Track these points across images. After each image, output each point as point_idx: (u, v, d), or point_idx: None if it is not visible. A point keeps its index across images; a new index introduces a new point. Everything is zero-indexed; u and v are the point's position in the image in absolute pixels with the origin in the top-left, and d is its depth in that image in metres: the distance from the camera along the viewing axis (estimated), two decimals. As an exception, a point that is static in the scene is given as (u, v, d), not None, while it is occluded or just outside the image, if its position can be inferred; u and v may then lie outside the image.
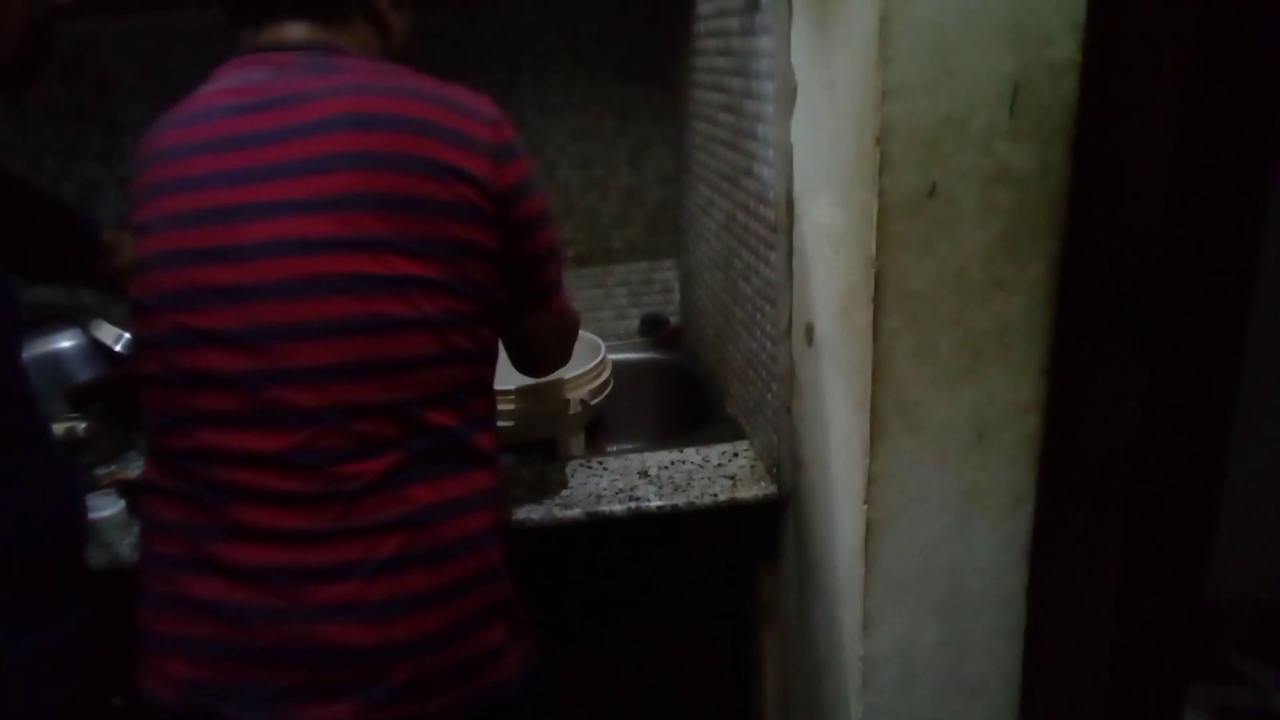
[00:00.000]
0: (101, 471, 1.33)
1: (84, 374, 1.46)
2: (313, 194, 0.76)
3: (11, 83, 0.83)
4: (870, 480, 0.86)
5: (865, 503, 0.87)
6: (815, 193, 0.95)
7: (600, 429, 1.54)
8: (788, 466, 1.15)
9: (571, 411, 1.36)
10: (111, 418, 1.39)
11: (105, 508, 1.14)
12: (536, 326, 0.96)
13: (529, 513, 1.15)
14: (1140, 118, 0.75)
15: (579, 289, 1.79)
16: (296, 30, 0.83)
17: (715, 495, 1.16)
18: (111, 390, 1.36)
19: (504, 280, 0.87)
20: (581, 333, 1.57)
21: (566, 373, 1.40)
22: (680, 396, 1.66)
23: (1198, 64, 0.70)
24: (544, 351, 1.02)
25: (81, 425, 1.35)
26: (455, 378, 0.81)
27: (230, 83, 0.82)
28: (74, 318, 1.48)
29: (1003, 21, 0.74)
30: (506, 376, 1.61)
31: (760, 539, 1.24)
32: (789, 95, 0.99)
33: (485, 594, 0.84)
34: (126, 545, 1.13)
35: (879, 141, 0.76)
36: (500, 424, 1.24)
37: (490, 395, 0.89)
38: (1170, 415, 0.79)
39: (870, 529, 0.87)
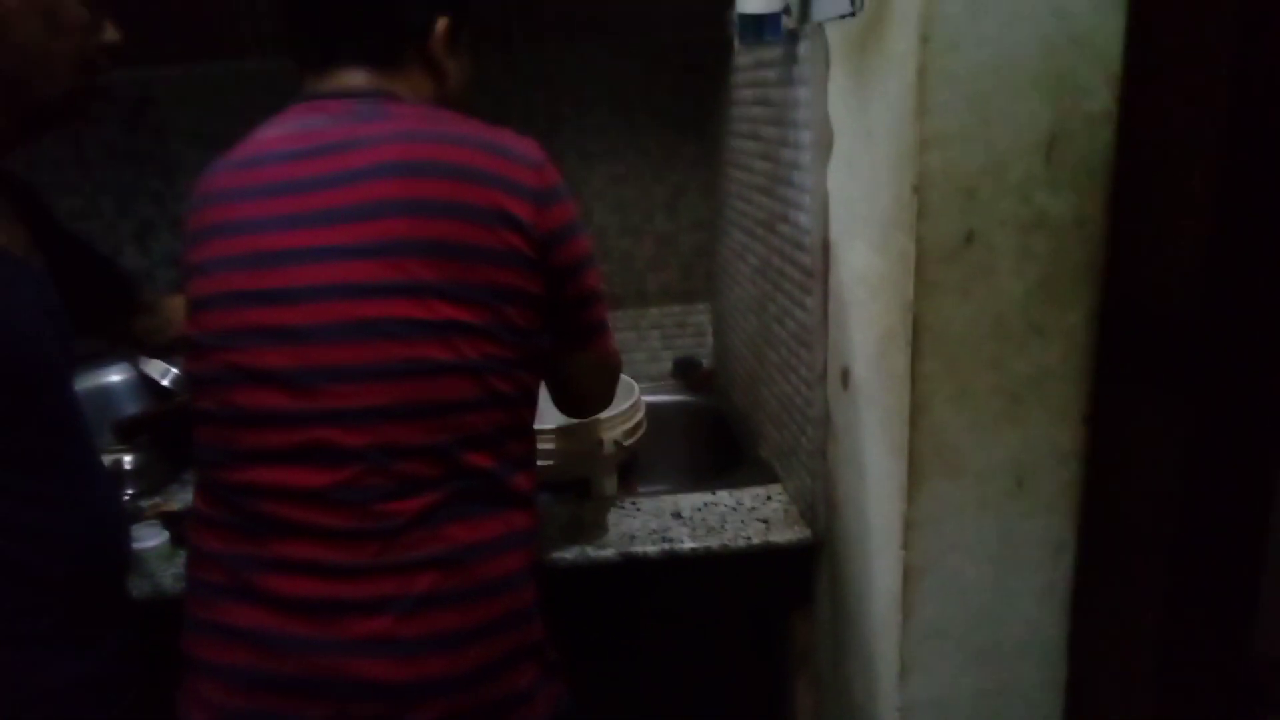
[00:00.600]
0: (146, 503, 1.36)
1: (132, 407, 1.50)
2: (361, 239, 0.78)
3: (64, 117, 0.87)
4: (908, 526, 0.85)
5: (903, 548, 0.86)
6: (851, 239, 0.96)
7: (633, 471, 1.54)
8: (822, 510, 1.14)
9: (605, 452, 1.37)
10: (157, 451, 1.42)
11: (149, 538, 1.17)
12: (579, 369, 0.98)
13: (562, 552, 1.15)
14: (1180, 167, 0.75)
15: (614, 330, 1.81)
16: (355, 77, 0.86)
17: (749, 538, 1.16)
18: (158, 423, 1.40)
19: (547, 323, 0.89)
20: (616, 375, 1.60)
21: (601, 413, 1.41)
22: (713, 439, 1.67)
23: (1236, 114, 0.71)
24: (586, 393, 1.03)
25: (128, 457, 1.38)
26: (494, 421, 0.83)
27: (288, 128, 0.85)
28: (123, 353, 1.53)
29: (1039, 74, 0.75)
30: (543, 416, 1.63)
31: (794, 584, 1.23)
32: (826, 144, 1.00)
33: (516, 635, 0.85)
34: (169, 576, 1.15)
35: (916, 189, 0.77)
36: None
37: (529, 437, 0.90)
38: (1214, 464, 0.79)
39: (908, 575, 0.87)
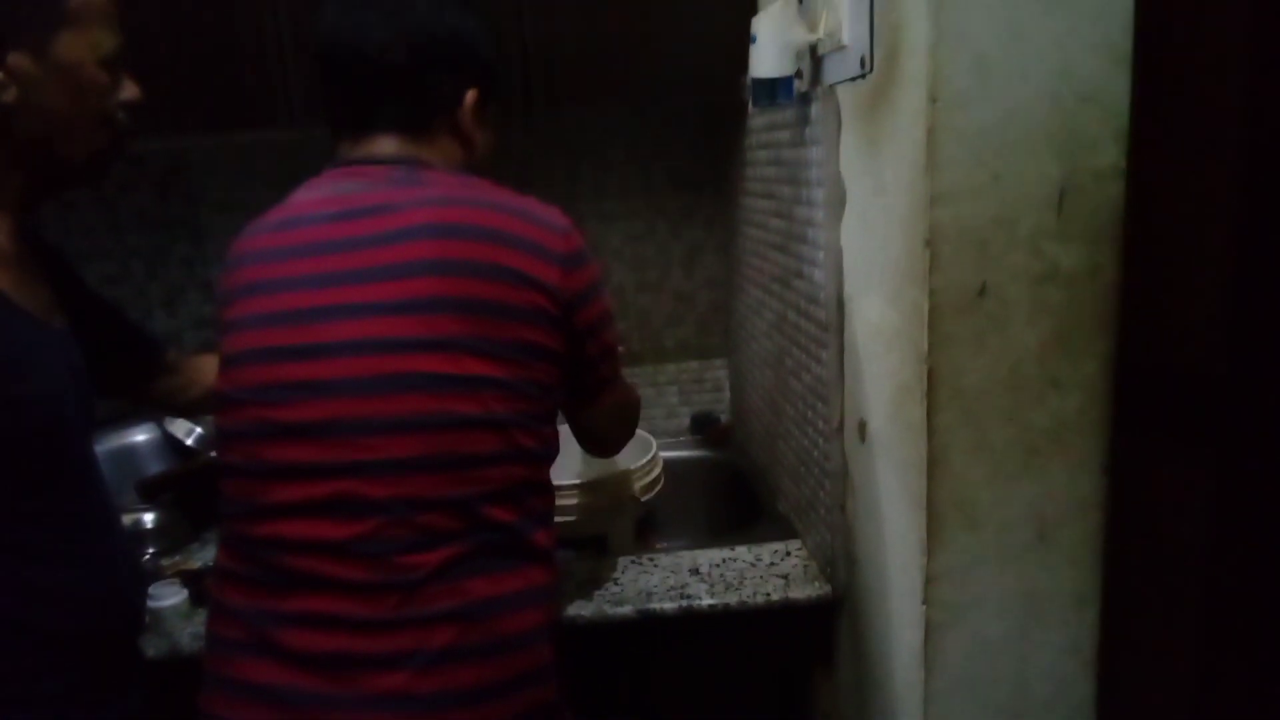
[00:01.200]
0: (166, 561, 1.36)
1: (155, 466, 1.52)
2: (396, 297, 0.80)
3: (87, 177, 0.89)
4: (929, 580, 0.85)
5: (924, 603, 0.85)
6: (866, 293, 0.97)
7: (651, 526, 1.53)
8: (842, 565, 1.13)
9: (623, 508, 1.37)
10: (179, 510, 1.43)
11: (168, 597, 1.17)
12: (592, 418, 1.01)
13: (580, 609, 1.15)
14: (1192, 220, 0.76)
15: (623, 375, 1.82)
16: (388, 145, 0.90)
17: (768, 594, 1.15)
18: (181, 483, 1.41)
19: (564, 377, 0.90)
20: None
21: (618, 470, 1.41)
22: (730, 494, 1.66)
23: (1248, 167, 0.72)
24: (605, 437, 1.09)
25: (150, 516, 1.39)
26: (517, 475, 0.84)
27: (323, 192, 0.88)
28: (148, 412, 1.55)
29: (1047, 130, 0.77)
30: (562, 472, 1.63)
31: (814, 641, 1.22)
32: (839, 201, 1.02)
33: (533, 694, 0.84)
34: (187, 635, 1.15)
35: (929, 243, 0.79)
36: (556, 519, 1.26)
37: (549, 494, 0.91)
38: (1241, 516, 0.78)
39: (930, 630, 0.86)
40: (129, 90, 0.88)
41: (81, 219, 1.69)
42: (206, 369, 1.12)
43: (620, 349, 0.98)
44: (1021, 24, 0.76)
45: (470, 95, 0.92)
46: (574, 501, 1.33)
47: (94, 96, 0.84)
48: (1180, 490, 0.82)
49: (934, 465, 0.83)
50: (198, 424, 1.48)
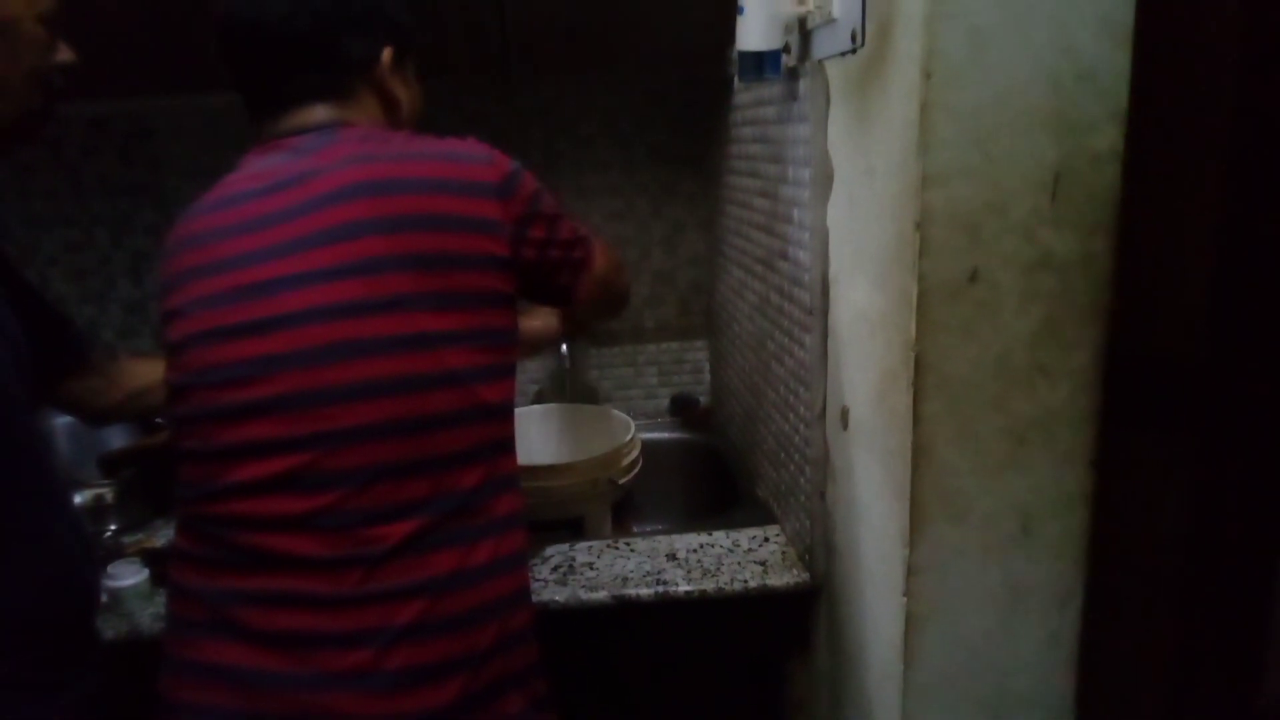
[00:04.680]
0: (129, 539, 1.32)
1: (119, 440, 1.48)
2: (338, 261, 0.78)
3: (16, 138, 0.84)
4: (910, 572, 0.83)
5: (905, 595, 0.83)
6: (852, 276, 0.94)
7: (627, 509, 1.51)
8: (821, 554, 1.11)
9: (600, 490, 1.34)
10: (142, 485, 1.39)
11: (128, 576, 1.13)
12: (586, 300, 0.98)
13: (554, 594, 1.12)
14: (1184, 207, 0.74)
15: (611, 367, 1.79)
16: (314, 114, 0.87)
17: (746, 581, 1.13)
18: (144, 458, 1.37)
19: (538, 288, 0.92)
20: (611, 410, 1.58)
21: (595, 451, 1.39)
22: (709, 478, 1.64)
23: (1241, 153, 0.69)
24: (610, 301, 1.08)
25: (111, 491, 1.35)
26: (480, 435, 0.83)
27: (253, 169, 0.86)
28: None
29: (1043, 110, 0.74)
30: (535, 452, 1.61)
31: (792, 629, 1.20)
32: (826, 181, 0.99)
33: (504, 662, 0.83)
34: (148, 616, 1.11)
35: (919, 226, 0.76)
36: (527, 501, 1.23)
37: (513, 454, 0.89)
38: (1221, 508, 0.76)
39: (910, 623, 0.84)
40: (64, 52, 0.84)
41: (42, 183, 1.63)
42: (131, 374, 1.08)
43: (581, 230, 0.95)
44: (1020, -2, 0.72)
45: (386, 53, 0.90)
46: (550, 484, 1.31)
47: (30, 54, 0.80)
48: (1162, 482, 0.81)
49: (918, 455, 0.80)
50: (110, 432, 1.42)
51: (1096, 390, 0.80)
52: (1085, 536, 0.83)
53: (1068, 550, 0.83)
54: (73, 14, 0.92)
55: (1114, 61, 0.74)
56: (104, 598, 1.12)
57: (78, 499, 1.34)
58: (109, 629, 1.09)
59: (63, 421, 1.46)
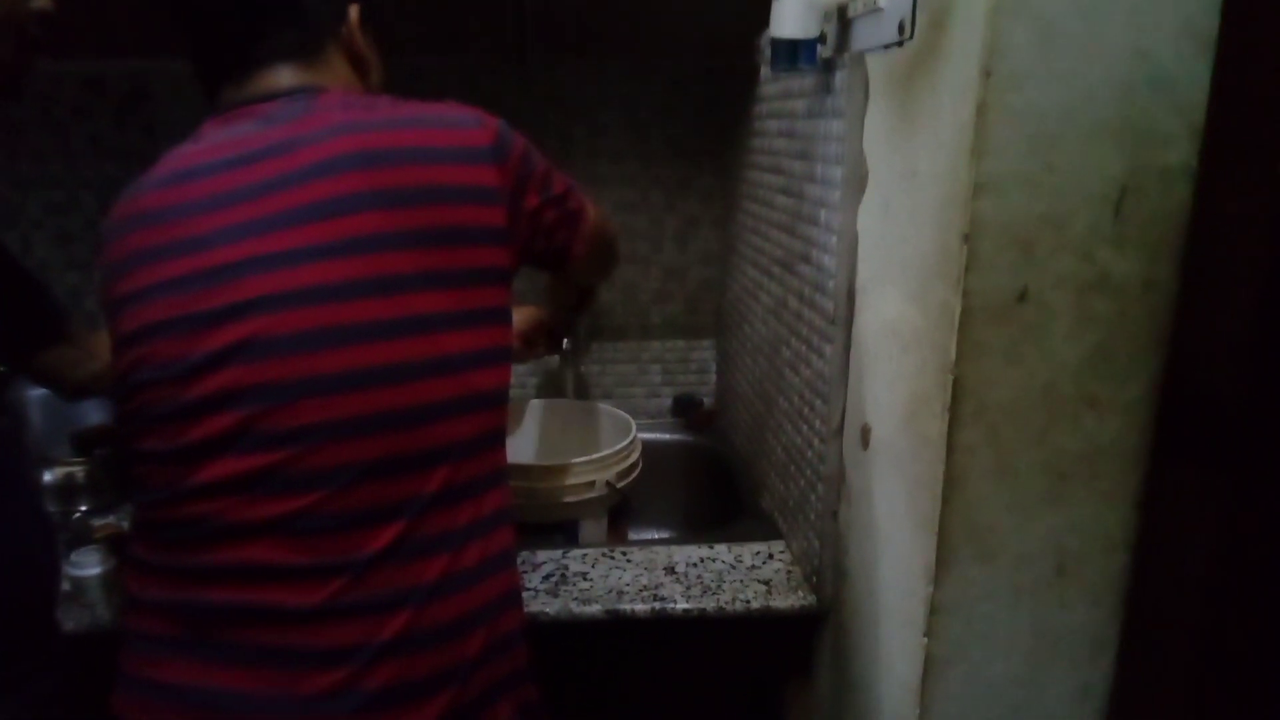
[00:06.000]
0: (98, 521, 1.26)
1: (96, 418, 1.41)
2: (329, 238, 0.71)
3: None
4: (933, 610, 0.76)
5: (925, 635, 0.77)
6: (882, 286, 0.88)
7: (624, 513, 1.45)
8: (829, 577, 1.05)
9: (595, 494, 1.28)
10: (115, 463, 1.33)
11: (92, 565, 1.06)
12: (583, 257, 0.94)
13: (545, 605, 1.06)
14: (1254, 233, 0.68)
15: (614, 363, 1.73)
16: (279, 78, 0.80)
17: (748, 602, 1.07)
18: (118, 436, 1.30)
19: (536, 252, 0.88)
20: (612, 410, 1.51)
21: (593, 451, 1.32)
22: (711, 484, 1.58)
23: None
24: (594, 273, 1.09)
25: (82, 471, 1.29)
26: (473, 427, 0.76)
27: (215, 139, 0.77)
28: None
29: (1113, 118, 0.67)
30: (528, 451, 1.54)
31: (792, 653, 1.14)
32: (859, 182, 0.93)
33: (493, 668, 0.77)
34: (112, 606, 1.05)
35: (967, 238, 0.69)
36: (519, 503, 1.17)
37: (504, 446, 0.82)
38: (1257, 554, 0.70)
39: (929, 665, 0.78)
40: (41, 0, 0.77)
41: (30, 143, 1.55)
42: (107, 346, 1.01)
43: (568, 180, 0.91)
44: (1094, -6, 0.66)
45: (354, 11, 0.85)
46: (544, 485, 1.24)
47: (3, 1, 0.73)
48: (1215, 530, 0.74)
49: (950, 486, 0.74)
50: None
51: (1149, 427, 0.74)
52: (1125, 582, 0.77)
53: (1105, 596, 0.77)
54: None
55: (1193, 70, 0.67)
56: (65, 586, 1.05)
57: (48, 476, 1.28)
58: (69, 620, 1.02)
59: (37, 394, 1.39)
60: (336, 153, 0.73)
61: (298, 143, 0.74)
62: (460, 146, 0.77)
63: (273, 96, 0.79)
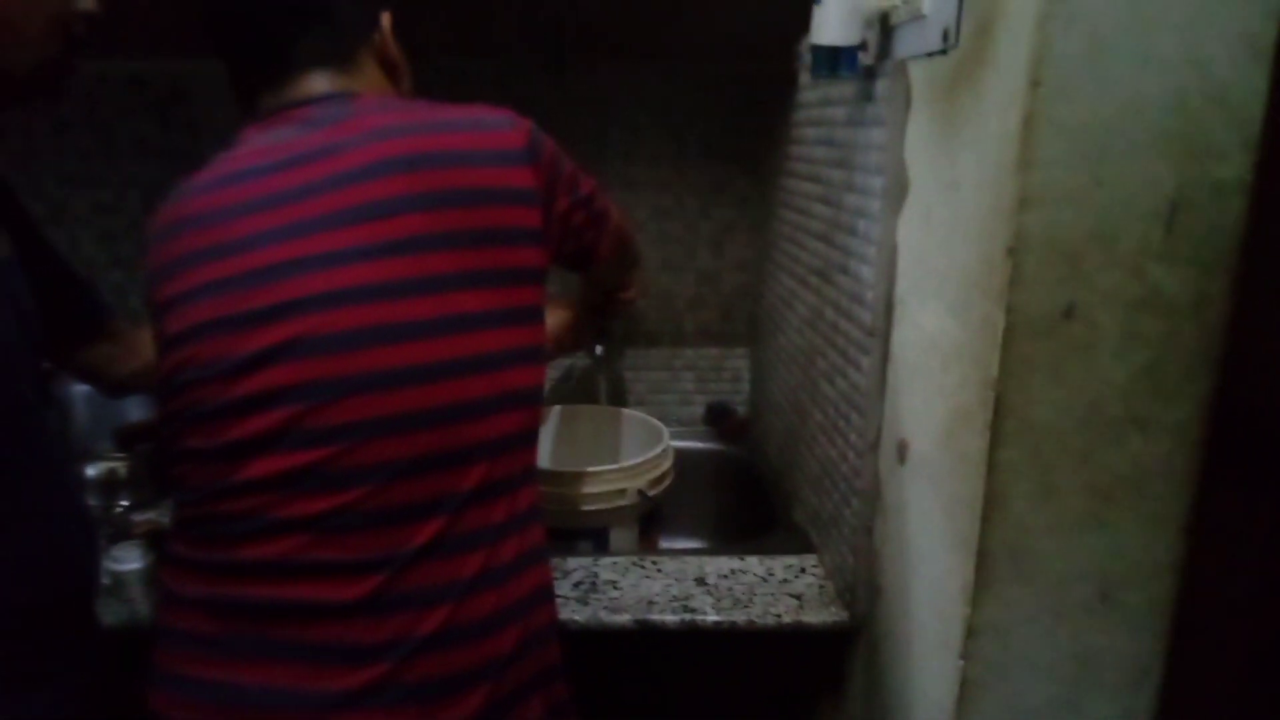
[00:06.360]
0: (139, 517, 1.27)
1: (139, 414, 1.43)
2: (376, 239, 0.73)
3: (34, 90, 0.78)
4: (970, 632, 0.75)
5: (961, 658, 0.75)
6: (922, 299, 0.86)
7: (655, 521, 1.44)
8: (863, 593, 1.03)
9: (626, 501, 1.28)
10: (157, 459, 1.35)
11: (133, 560, 1.08)
12: (606, 255, 0.97)
13: (574, 613, 1.06)
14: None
15: (646, 369, 1.72)
16: (315, 83, 0.81)
17: (779, 616, 1.05)
18: (160, 433, 1.32)
19: (565, 253, 0.90)
20: (644, 417, 1.51)
21: (625, 459, 1.32)
22: (743, 494, 1.56)
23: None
24: (616, 273, 1.11)
25: (124, 466, 1.31)
26: (511, 424, 0.77)
27: (257, 144, 0.79)
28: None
29: (1165, 131, 0.65)
30: (560, 457, 1.54)
31: (825, 669, 1.12)
32: (900, 192, 0.91)
33: (527, 664, 0.78)
34: (150, 602, 1.06)
35: (1011, 252, 0.68)
36: (549, 508, 1.17)
37: (536, 445, 0.84)
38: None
39: (965, 688, 0.76)
40: (87, 1, 0.78)
41: (76, 142, 1.59)
42: (150, 342, 1.02)
43: (592, 180, 0.92)
44: (1147, 1, 0.64)
45: (385, 18, 0.87)
46: (575, 491, 1.24)
47: (50, 0, 0.74)
48: (1258, 554, 0.72)
49: (990, 505, 0.72)
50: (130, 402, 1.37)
51: (1198, 449, 0.71)
52: (1169, 609, 0.75)
53: (1149, 622, 0.75)
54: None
55: (1251, 82, 0.65)
56: (106, 580, 1.07)
57: (90, 471, 1.30)
58: (109, 614, 1.04)
59: (82, 390, 1.42)
60: (379, 157, 0.74)
61: (341, 147, 0.75)
62: (497, 149, 0.78)
63: (311, 101, 0.80)
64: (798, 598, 1.09)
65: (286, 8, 0.80)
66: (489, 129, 0.79)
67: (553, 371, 1.68)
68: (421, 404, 0.72)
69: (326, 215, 0.73)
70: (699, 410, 1.73)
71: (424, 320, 0.72)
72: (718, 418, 1.69)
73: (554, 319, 1.28)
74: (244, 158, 0.78)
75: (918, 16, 0.83)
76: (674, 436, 1.45)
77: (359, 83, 0.83)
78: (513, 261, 0.78)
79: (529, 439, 0.81)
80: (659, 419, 1.47)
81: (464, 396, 0.74)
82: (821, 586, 1.12)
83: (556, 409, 1.58)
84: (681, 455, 1.43)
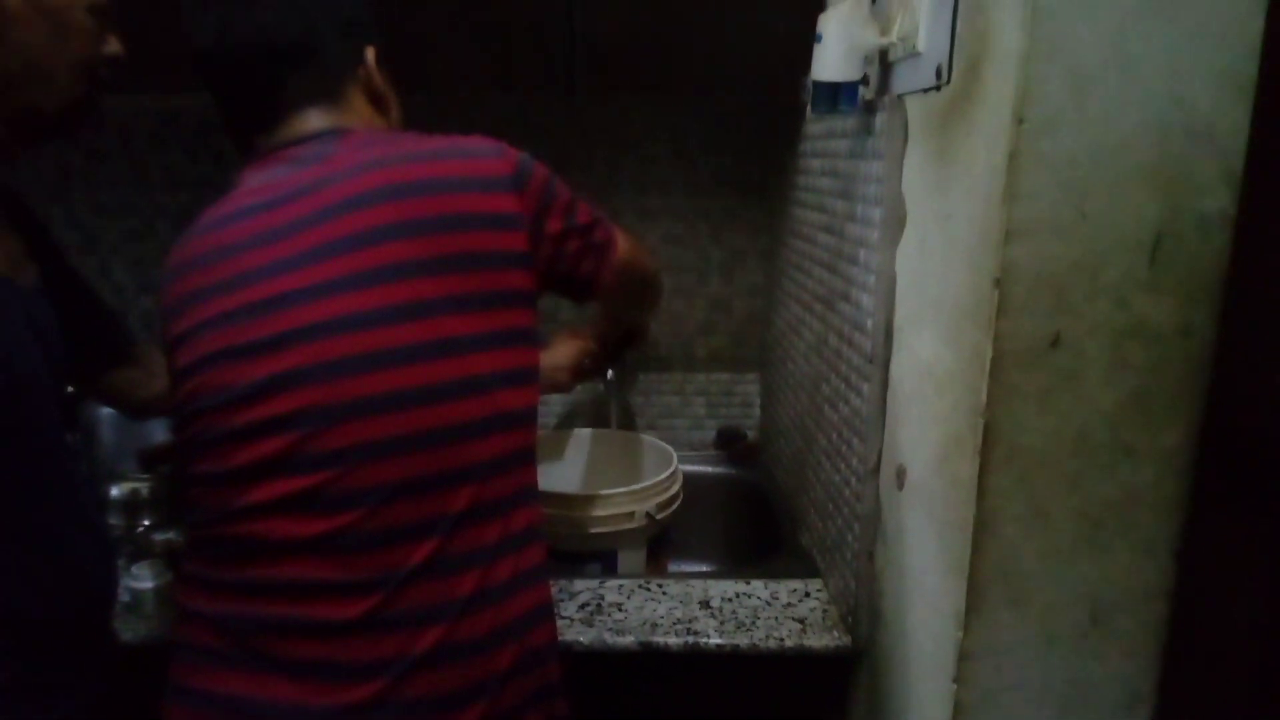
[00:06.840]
0: (159, 536, 1.31)
1: (159, 436, 1.47)
2: (361, 268, 0.75)
3: (60, 129, 0.83)
4: (962, 656, 0.76)
5: (955, 681, 0.76)
6: (918, 327, 0.88)
7: (663, 543, 1.46)
8: (865, 618, 1.04)
9: (634, 524, 1.29)
10: (178, 480, 1.38)
11: (151, 578, 1.11)
12: (613, 285, 0.94)
13: (579, 634, 1.07)
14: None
15: (658, 394, 1.75)
16: (306, 122, 0.84)
17: (782, 639, 1.06)
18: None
19: (561, 281, 0.89)
20: (654, 441, 1.52)
21: (633, 482, 1.34)
22: (751, 518, 1.57)
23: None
24: (629, 307, 1.11)
25: (146, 487, 1.34)
26: (505, 445, 0.79)
27: (251, 184, 0.82)
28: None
29: (1148, 164, 0.67)
30: (569, 480, 1.56)
31: (826, 694, 1.13)
32: (897, 223, 0.93)
33: (524, 682, 0.79)
34: (166, 619, 1.09)
35: (998, 283, 0.69)
36: (559, 531, 1.19)
37: (533, 464, 0.85)
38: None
39: (959, 711, 0.77)
40: (113, 44, 0.83)
41: (109, 172, 1.64)
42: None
43: (597, 212, 0.92)
44: (1129, 40, 0.66)
45: (370, 52, 0.89)
46: (583, 514, 1.26)
47: (77, 43, 0.79)
48: (1252, 579, 0.72)
49: (981, 530, 0.74)
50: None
51: (1186, 475, 0.72)
52: (1162, 634, 0.75)
53: (1140, 648, 0.76)
54: (145, 9, 0.92)
55: (1232, 117, 0.67)
56: (125, 597, 1.10)
57: (114, 492, 1.34)
58: (127, 631, 1.07)
59: (107, 412, 1.46)
60: (365, 188, 0.77)
61: (328, 181, 0.78)
62: (480, 176, 0.80)
63: (302, 140, 0.83)
64: (801, 621, 1.10)
65: (273, 52, 0.83)
66: (473, 156, 0.81)
67: (563, 397, 1.70)
68: (413, 427, 0.75)
69: (316, 247, 0.76)
70: (710, 435, 1.75)
71: (413, 345, 0.75)
72: (728, 442, 1.71)
73: (571, 348, 1.31)
74: (240, 198, 0.82)
75: (914, 54, 0.86)
76: (685, 461, 1.47)
77: (348, 117, 0.86)
78: (500, 285, 0.79)
79: (523, 460, 0.83)
80: (670, 443, 1.49)
81: (455, 419, 0.76)
82: (825, 610, 1.13)
83: (568, 433, 1.60)
84: (692, 479, 1.45)
